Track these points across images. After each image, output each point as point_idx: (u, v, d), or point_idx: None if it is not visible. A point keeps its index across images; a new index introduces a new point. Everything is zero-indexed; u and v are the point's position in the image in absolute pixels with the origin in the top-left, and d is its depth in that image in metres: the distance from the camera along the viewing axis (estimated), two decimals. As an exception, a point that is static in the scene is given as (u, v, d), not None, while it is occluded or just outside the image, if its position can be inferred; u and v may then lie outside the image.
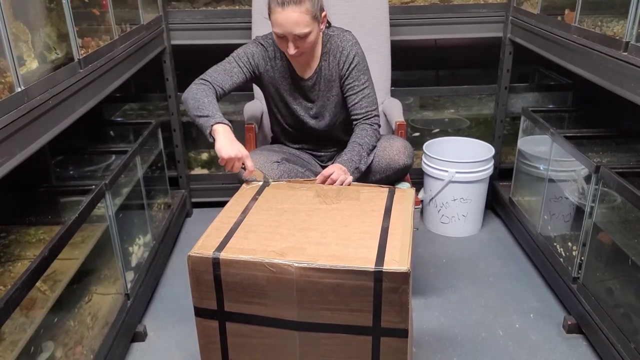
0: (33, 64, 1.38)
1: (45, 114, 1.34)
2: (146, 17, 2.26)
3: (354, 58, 1.77)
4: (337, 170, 1.60)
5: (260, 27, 2.30)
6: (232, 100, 2.90)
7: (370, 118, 1.79)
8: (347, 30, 1.82)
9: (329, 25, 1.84)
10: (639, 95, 1.49)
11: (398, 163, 1.78)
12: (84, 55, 1.62)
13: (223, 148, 1.53)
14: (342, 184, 1.59)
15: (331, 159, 2.01)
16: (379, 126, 1.81)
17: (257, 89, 2.26)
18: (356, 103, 1.79)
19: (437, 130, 2.99)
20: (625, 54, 1.56)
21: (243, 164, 1.57)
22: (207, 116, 1.59)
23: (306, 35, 1.63)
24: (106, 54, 1.78)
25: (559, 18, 2.04)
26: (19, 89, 1.23)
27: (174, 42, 2.55)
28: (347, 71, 1.78)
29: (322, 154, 2.01)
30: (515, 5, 2.45)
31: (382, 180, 1.82)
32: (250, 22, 2.41)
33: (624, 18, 1.58)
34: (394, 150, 1.78)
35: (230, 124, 1.60)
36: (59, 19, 1.52)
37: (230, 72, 1.76)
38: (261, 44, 1.81)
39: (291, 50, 1.65)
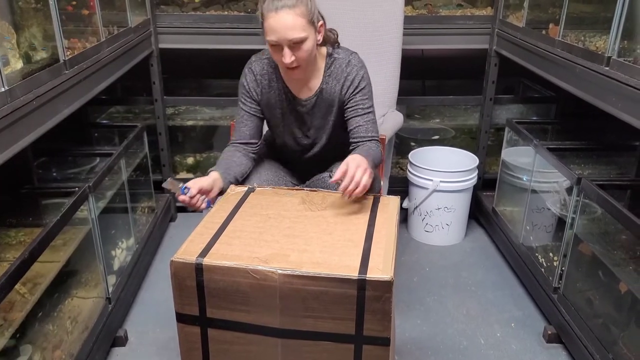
0: (18, 64, 1.37)
1: (28, 114, 1.33)
2: (134, 19, 2.25)
3: (360, 82, 1.67)
4: (353, 165, 1.43)
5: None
6: (218, 105, 2.90)
7: (375, 142, 1.68)
8: (353, 53, 1.70)
9: (337, 45, 1.73)
10: (620, 109, 1.52)
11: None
12: (70, 56, 1.61)
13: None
14: (358, 186, 1.42)
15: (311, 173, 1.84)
16: (382, 152, 1.71)
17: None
18: (360, 126, 1.67)
19: (436, 137, 3.02)
20: (607, 68, 1.59)
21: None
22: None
23: (302, 40, 1.52)
24: (92, 56, 1.77)
25: (544, 32, 2.07)
26: (3, 89, 1.22)
27: (161, 45, 2.54)
28: (351, 95, 1.67)
29: (306, 168, 1.88)
30: (501, 18, 2.48)
31: None
32: (241, 28, 2.42)
33: (607, 33, 1.61)
34: None
35: (220, 175, 1.60)
36: (46, 20, 1.51)
37: (242, 122, 1.74)
38: (251, 70, 1.72)
39: (287, 58, 1.53)
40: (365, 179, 1.43)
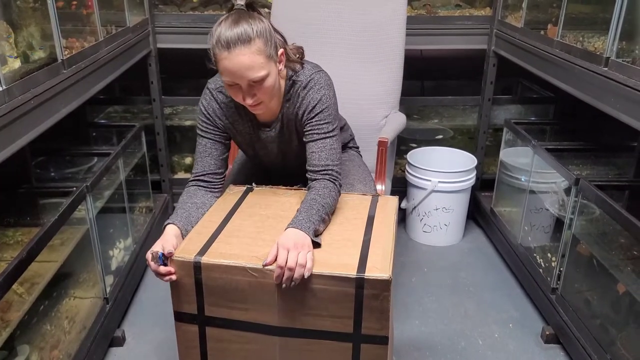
0: (15, 63, 1.37)
1: (26, 114, 1.33)
2: (132, 19, 2.25)
3: (316, 105, 1.48)
4: (292, 249, 1.21)
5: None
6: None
7: (331, 173, 1.47)
8: (317, 72, 1.51)
9: (301, 58, 1.55)
10: (618, 110, 1.52)
11: None
12: (68, 55, 1.60)
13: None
14: (300, 272, 1.20)
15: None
16: (340, 185, 1.50)
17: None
18: (314, 153, 1.48)
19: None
20: (606, 69, 1.59)
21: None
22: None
23: (262, 79, 1.35)
24: (90, 55, 1.77)
25: (542, 32, 2.07)
26: (1, 88, 1.22)
27: (159, 45, 2.54)
28: (308, 119, 1.50)
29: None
30: (499, 19, 2.48)
31: None
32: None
33: (605, 34, 1.61)
34: None
35: (179, 230, 1.39)
36: (44, 19, 1.51)
37: (206, 152, 1.55)
38: (214, 98, 1.55)
39: (248, 100, 1.38)
40: (302, 259, 1.20)
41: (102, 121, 2.81)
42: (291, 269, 1.19)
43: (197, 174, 1.55)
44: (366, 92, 2.21)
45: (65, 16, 1.64)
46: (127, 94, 2.90)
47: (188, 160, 2.96)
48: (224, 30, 1.32)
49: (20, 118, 1.30)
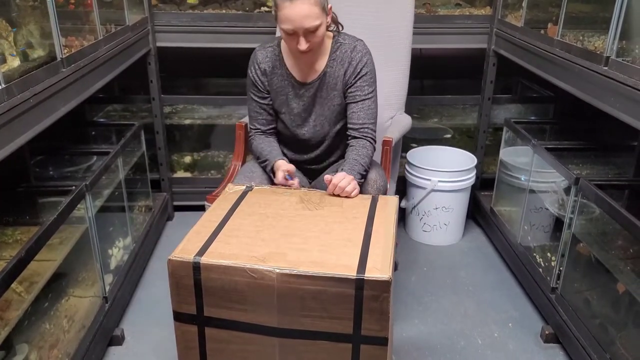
0: (14, 62, 1.36)
1: (25, 112, 1.33)
2: (132, 18, 2.24)
3: (362, 69, 1.72)
4: (347, 178, 1.57)
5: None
6: (216, 104, 2.89)
7: (366, 132, 1.74)
8: (359, 40, 1.76)
9: (340, 28, 1.80)
10: (618, 109, 1.52)
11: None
12: (67, 54, 1.60)
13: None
14: (349, 193, 1.56)
15: (320, 173, 1.93)
16: (375, 142, 1.77)
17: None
18: (354, 112, 1.75)
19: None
20: (606, 68, 1.59)
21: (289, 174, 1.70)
22: (266, 160, 1.78)
23: (317, 28, 1.58)
24: (90, 54, 1.76)
25: (542, 31, 2.07)
26: (0, 87, 1.21)
27: (159, 44, 2.53)
28: (353, 80, 1.73)
29: (314, 167, 1.94)
30: (499, 18, 2.48)
31: None
32: (239, 26, 2.42)
33: (605, 33, 1.61)
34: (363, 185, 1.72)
35: (285, 158, 1.77)
36: (43, 18, 1.50)
37: (255, 111, 1.84)
38: (255, 60, 1.78)
39: (303, 45, 1.59)
40: (350, 189, 1.56)
41: (102, 120, 2.80)
42: (341, 188, 1.55)
43: (254, 130, 1.87)
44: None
45: (64, 14, 1.63)
46: (126, 93, 2.89)
47: (187, 158, 2.95)
48: None
49: (19, 117, 1.30)
